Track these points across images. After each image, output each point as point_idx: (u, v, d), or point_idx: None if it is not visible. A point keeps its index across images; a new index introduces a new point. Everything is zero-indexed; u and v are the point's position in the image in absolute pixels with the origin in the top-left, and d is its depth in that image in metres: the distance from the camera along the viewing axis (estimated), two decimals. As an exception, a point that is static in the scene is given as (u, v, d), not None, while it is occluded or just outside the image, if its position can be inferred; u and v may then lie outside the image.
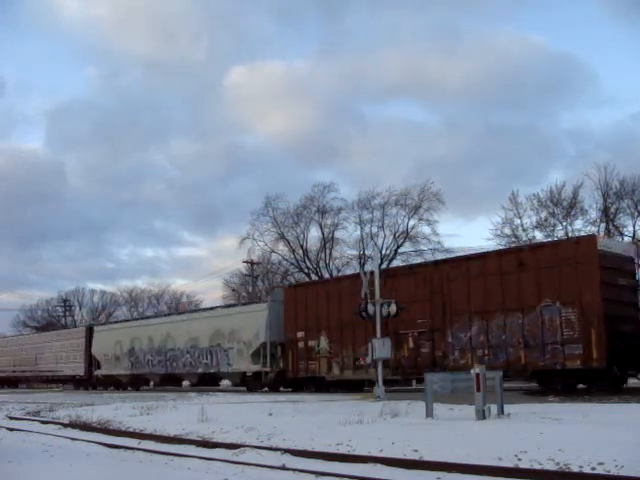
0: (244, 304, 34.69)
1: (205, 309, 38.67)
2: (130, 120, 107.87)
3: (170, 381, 35.38)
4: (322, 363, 24.69)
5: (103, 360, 38.61)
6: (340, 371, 23.98)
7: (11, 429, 14.57)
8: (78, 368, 40.67)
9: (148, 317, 46.21)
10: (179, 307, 69.08)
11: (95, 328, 41.59)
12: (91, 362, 39.61)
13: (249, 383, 29.14)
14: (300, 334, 25.68)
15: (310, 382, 25.75)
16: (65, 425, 14.68)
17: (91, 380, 39.82)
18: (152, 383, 37.15)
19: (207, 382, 33.11)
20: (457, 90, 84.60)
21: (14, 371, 48.41)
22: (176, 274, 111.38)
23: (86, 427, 14.02)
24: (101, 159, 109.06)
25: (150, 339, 34.76)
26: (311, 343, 25.26)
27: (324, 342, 24.73)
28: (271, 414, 14.13)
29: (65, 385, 44.21)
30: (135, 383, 37.23)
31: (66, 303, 74.75)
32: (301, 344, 25.61)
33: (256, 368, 28.04)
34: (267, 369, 27.33)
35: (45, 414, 17.71)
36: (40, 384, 47.09)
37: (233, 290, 58.23)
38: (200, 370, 31.52)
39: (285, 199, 50.44)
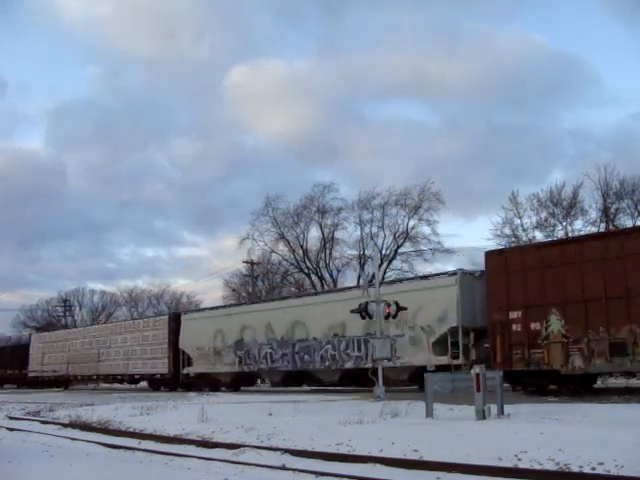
0: (422, 277, 26.27)
1: (356, 287, 30.37)
2: (131, 120, 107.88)
3: (296, 379, 28.84)
4: (554, 351, 18.51)
5: (196, 355, 31.59)
6: (585, 361, 17.91)
7: (11, 429, 14.57)
8: (160, 365, 33.58)
9: (265, 300, 36.81)
10: (179, 307, 69.06)
11: (184, 316, 34.02)
12: (177, 358, 32.67)
13: None
14: (515, 314, 19.72)
15: (531, 377, 19.38)
16: (65, 425, 14.69)
17: (178, 380, 32.83)
18: (267, 382, 31.19)
19: (353, 380, 25.99)
20: (458, 90, 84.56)
21: (57, 369, 42.24)
22: (177, 274, 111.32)
23: (86, 427, 14.03)
24: (102, 159, 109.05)
25: (269, 327, 27.94)
26: (534, 325, 19.26)
27: (556, 323, 18.78)
28: (271, 414, 14.14)
29: (137, 385, 38.44)
30: (242, 383, 31.17)
31: (66, 303, 74.73)
32: (516, 327, 19.62)
33: (442, 360, 21.74)
34: (459, 362, 21.22)
35: (45, 414, 17.72)
36: (101, 384, 41.98)
37: (233, 290, 58.24)
38: (348, 365, 24.77)
39: (285, 199, 50.51)
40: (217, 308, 36.16)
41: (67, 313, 74.50)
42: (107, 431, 13.20)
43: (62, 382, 42.91)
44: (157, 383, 34.91)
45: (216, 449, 10.04)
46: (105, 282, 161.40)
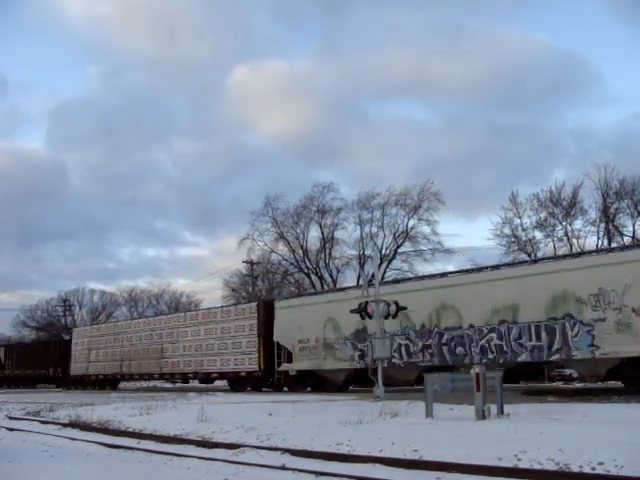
0: (624, 248, 21.07)
1: (533, 260, 23.91)
2: (132, 119, 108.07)
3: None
4: None
5: (297, 349, 26.63)
6: None
7: (11, 429, 14.58)
8: (246, 361, 28.92)
9: (397, 280, 28.73)
10: (179, 307, 69.06)
11: (279, 303, 28.96)
12: (269, 353, 27.85)
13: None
14: None
15: None
16: (65, 425, 14.69)
17: (271, 378, 28.15)
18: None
19: (518, 376, 21.81)
20: (459, 89, 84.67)
21: (107, 367, 37.83)
22: (177, 274, 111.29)
23: (86, 427, 14.02)
24: (103, 158, 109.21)
25: (403, 313, 21.99)
26: None
27: None
28: (271, 414, 14.12)
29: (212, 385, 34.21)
30: (358, 381, 25.54)
31: (66, 303, 74.72)
32: None
33: None
34: None
35: (45, 414, 17.71)
36: (159, 383, 38.35)
37: (233, 290, 58.24)
38: (522, 357, 19.94)
39: (285, 199, 50.53)
40: (328, 292, 30.25)
41: (67, 313, 74.54)
42: (107, 431, 13.20)
43: (113, 381, 39.01)
44: (242, 382, 29.64)
45: (216, 449, 10.04)
46: (106, 282, 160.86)
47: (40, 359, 45.06)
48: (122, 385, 41.38)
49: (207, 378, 32.80)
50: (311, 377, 26.64)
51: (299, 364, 26.59)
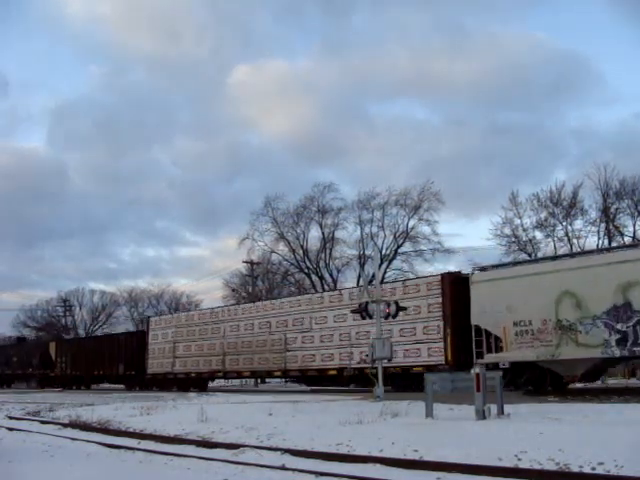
0: None
1: None
2: (133, 119, 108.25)
3: None
4: None
5: (512, 334, 20.15)
6: None
7: (11, 429, 14.56)
8: (423, 352, 22.65)
9: None
10: (179, 307, 69.06)
11: (476, 276, 22.07)
12: (461, 340, 21.75)
13: None
14: None
15: None
16: (65, 425, 14.67)
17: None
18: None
19: None
20: (460, 89, 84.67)
21: (202, 363, 31.64)
22: (178, 274, 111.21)
23: (86, 427, 14.01)
24: (103, 158, 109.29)
25: None
26: None
27: None
28: (271, 414, 14.13)
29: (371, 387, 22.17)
30: (594, 376, 20.57)
31: (66, 303, 74.77)
32: None
33: None
34: None
35: (45, 414, 17.70)
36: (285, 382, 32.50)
37: (233, 290, 58.26)
38: None
39: (285, 199, 50.59)
40: (561, 257, 22.16)
41: (67, 313, 74.56)
42: (107, 431, 13.18)
43: (201, 381, 33.18)
44: (416, 380, 19.08)
45: (216, 449, 10.02)
46: (106, 282, 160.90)
47: (104, 355, 38.96)
48: (215, 384, 35.40)
49: (358, 376, 25.18)
50: (531, 370, 20.17)
51: (515, 353, 20.12)
